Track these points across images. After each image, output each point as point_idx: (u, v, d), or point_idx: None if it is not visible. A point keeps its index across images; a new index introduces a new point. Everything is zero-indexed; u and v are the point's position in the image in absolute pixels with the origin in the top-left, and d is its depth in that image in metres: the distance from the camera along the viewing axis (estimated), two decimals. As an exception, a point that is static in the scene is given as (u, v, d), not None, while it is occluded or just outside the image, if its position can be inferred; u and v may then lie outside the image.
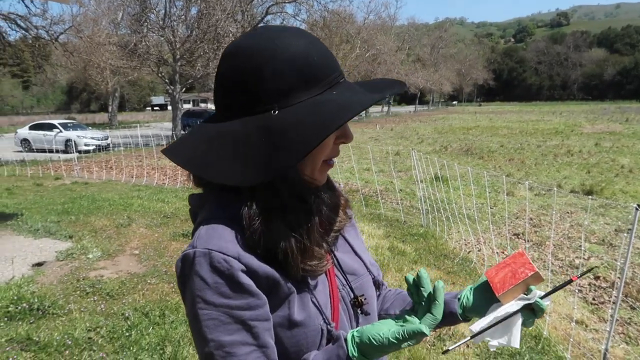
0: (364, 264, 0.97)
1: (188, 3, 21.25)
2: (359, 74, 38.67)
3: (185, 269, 0.75)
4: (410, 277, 0.88)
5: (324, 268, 0.83)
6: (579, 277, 0.93)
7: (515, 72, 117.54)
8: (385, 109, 59.29)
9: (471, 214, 6.73)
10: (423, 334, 0.76)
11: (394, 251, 5.50)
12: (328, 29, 30.57)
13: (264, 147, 0.73)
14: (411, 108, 72.02)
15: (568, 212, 7.48)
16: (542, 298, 0.88)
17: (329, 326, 0.81)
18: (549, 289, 0.91)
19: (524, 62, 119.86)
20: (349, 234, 1.00)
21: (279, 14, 29.49)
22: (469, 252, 5.57)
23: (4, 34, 21.28)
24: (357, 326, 0.89)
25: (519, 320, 0.87)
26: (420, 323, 0.80)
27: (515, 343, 0.87)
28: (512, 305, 0.87)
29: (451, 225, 6.23)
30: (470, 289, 0.98)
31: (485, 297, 0.93)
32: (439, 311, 0.82)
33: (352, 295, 0.90)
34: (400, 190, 9.33)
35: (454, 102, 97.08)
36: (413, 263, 5.12)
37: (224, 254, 0.73)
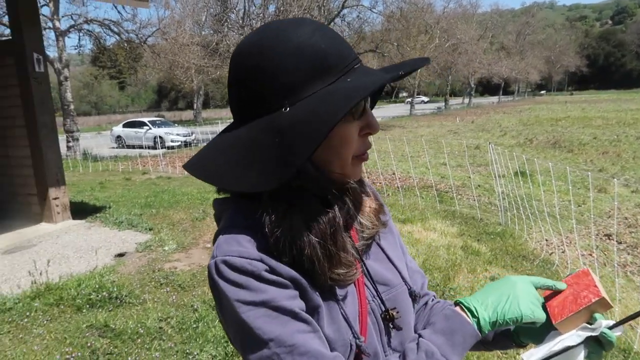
0: (400, 273, 0.89)
1: (266, 1, 21.72)
2: (438, 65, 37.48)
3: (213, 280, 0.71)
4: None
5: (352, 277, 0.76)
6: None
7: (612, 57, 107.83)
8: (466, 100, 57.15)
9: (555, 212, 6.24)
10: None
11: (468, 250, 5.23)
12: (405, 20, 29.84)
13: (277, 146, 0.68)
14: (494, 99, 68.76)
15: (671, 212, 6.71)
16: (610, 328, 0.73)
17: (357, 340, 0.74)
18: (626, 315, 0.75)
19: (623, 45, 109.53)
20: (386, 240, 0.92)
21: (355, 7, 29.27)
22: (551, 253, 5.17)
23: (100, 39, 23.09)
24: (388, 341, 0.81)
25: (580, 353, 0.73)
26: None
27: None
28: (572, 336, 0.74)
29: (532, 225, 5.82)
30: None
31: (544, 322, 0.81)
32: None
33: (382, 308, 0.82)
34: (478, 186, 8.90)
35: (542, 92, 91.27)
36: (488, 264, 4.83)
37: (245, 258, 0.69)
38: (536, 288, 0.81)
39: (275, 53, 0.70)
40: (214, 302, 0.74)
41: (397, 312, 0.82)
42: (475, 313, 0.75)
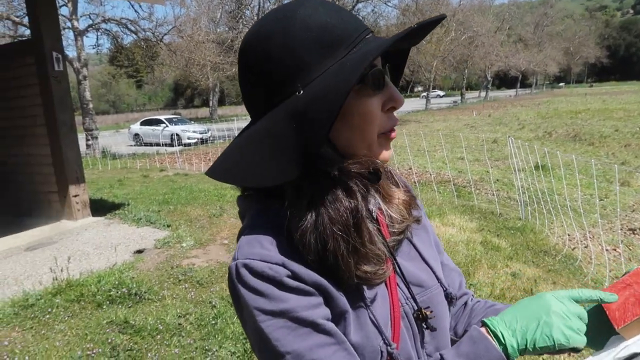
0: (435, 274, 0.83)
1: (280, -3, 21.71)
2: (454, 58, 37.09)
3: (233, 284, 0.68)
4: None
5: (382, 276, 0.71)
6: None
7: (634, 48, 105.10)
8: (483, 94, 56.46)
9: (577, 206, 6.12)
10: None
11: (487, 246, 5.15)
12: (420, 13, 29.58)
13: (295, 131, 0.65)
14: (512, 92, 67.75)
15: (698, 205, 6.54)
16: None
17: (389, 347, 0.70)
18: None
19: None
20: (419, 237, 0.86)
21: (369, 1, 29.10)
22: (574, 248, 5.06)
23: (118, 38, 23.33)
24: (422, 346, 0.77)
25: None
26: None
27: None
28: (638, 341, 0.67)
29: (553, 219, 5.71)
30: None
31: (601, 323, 0.73)
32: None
33: (415, 308, 0.77)
34: (497, 180, 8.78)
35: (561, 84, 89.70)
36: (508, 259, 4.75)
37: (267, 262, 0.66)
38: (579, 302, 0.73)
39: (279, 37, 0.67)
40: (232, 301, 0.72)
41: (431, 312, 0.77)
42: (502, 340, 0.68)
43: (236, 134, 0.80)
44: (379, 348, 0.70)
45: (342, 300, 0.69)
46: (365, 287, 0.71)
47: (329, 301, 0.68)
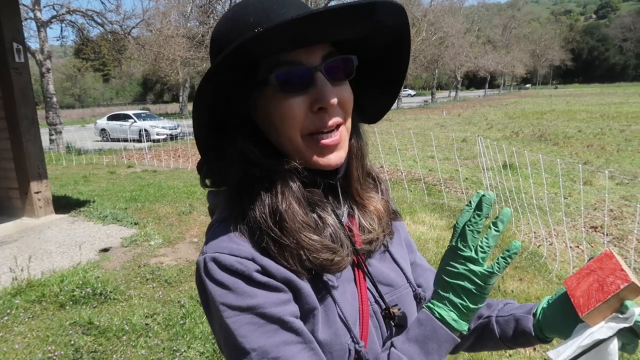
0: (404, 274, 0.83)
1: (252, -8, 21.51)
2: (425, 58, 37.55)
3: (200, 278, 0.66)
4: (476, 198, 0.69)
5: (339, 263, 0.69)
6: None
7: (596, 52, 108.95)
8: (453, 93, 57.43)
9: (543, 204, 6.27)
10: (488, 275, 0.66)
11: (457, 243, 5.22)
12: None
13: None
14: (480, 92, 69.19)
15: (655, 204, 6.78)
16: None
17: (357, 345, 0.69)
18: None
19: (606, 40, 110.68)
20: (390, 239, 0.86)
21: (341, 2, 29.19)
22: (539, 245, 5.18)
23: (83, 31, 22.65)
24: None
25: (612, 346, 0.65)
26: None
27: None
28: (602, 328, 0.65)
29: (520, 217, 5.84)
30: (548, 301, 0.79)
31: (567, 312, 0.73)
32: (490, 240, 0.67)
33: (383, 307, 0.76)
34: (466, 179, 8.92)
35: (527, 85, 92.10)
36: (477, 257, 4.82)
37: (236, 256, 0.64)
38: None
39: (219, 35, 0.72)
40: (199, 296, 0.69)
41: (399, 310, 0.77)
42: (444, 318, 0.67)
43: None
44: (347, 346, 0.69)
45: (311, 297, 0.67)
46: (331, 280, 0.70)
47: (298, 298, 0.67)
